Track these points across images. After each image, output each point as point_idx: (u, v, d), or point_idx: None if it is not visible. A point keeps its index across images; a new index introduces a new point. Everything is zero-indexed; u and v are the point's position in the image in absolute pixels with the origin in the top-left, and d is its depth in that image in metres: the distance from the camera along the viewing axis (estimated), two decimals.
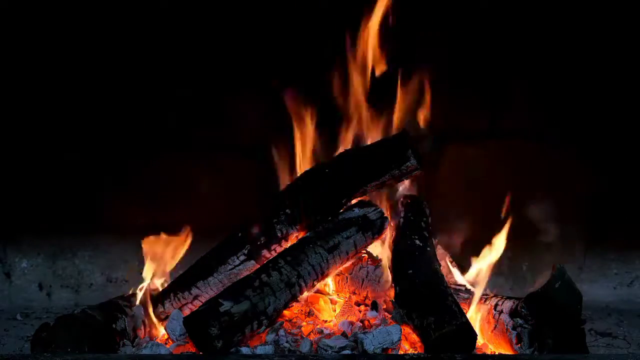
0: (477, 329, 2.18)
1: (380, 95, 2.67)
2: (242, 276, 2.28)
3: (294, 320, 2.29)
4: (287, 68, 3.01)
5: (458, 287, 2.42)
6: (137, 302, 2.34)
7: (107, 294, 2.51)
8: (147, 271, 2.46)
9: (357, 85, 2.66)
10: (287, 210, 2.41)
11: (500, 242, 2.49)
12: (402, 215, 2.54)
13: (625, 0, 3.04)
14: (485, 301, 2.30)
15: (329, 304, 2.41)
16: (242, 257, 2.39)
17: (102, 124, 3.15)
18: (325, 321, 2.34)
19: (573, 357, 2.03)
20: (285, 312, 2.27)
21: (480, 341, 2.22)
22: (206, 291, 2.36)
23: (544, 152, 3.20)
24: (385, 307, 2.35)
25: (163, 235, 2.52)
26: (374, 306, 2.36)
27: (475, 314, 2.28)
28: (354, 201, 2.46)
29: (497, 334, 2.19)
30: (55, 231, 3.21)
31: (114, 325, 2.20)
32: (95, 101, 3.13)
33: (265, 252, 2.39)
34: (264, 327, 2.14)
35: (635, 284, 3.25)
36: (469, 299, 2.34)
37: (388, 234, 2.49)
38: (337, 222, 2.37)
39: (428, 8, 3.04)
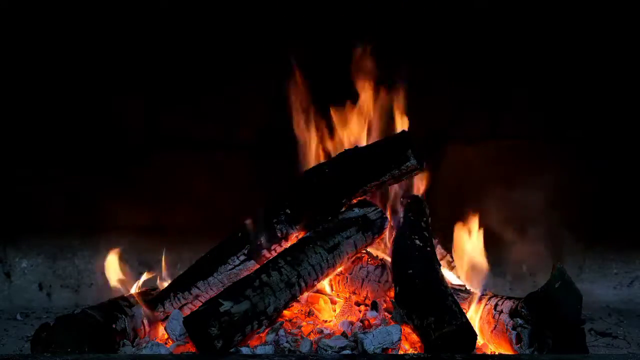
0: (477, 329, 2.18)
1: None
2: (242, 276, 2.28)
3: (294, 320, 2.30)
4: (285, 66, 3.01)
5: (458, 287, 2.42)
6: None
7: (107, 294, 2.51)
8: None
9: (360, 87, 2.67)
10: (287, 210, 2.41)
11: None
12: (402, 215, 2.54)
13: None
14: (485, 301, 2.30)
15: (329, 304, 2.41)
16: (242, 257, 2.39)
17: (101, 124, 3.15)
18: (325, 321, 2.34)
19: (573, 357, 2.03)
20: (285, 312, 2.27)
21: (480, 341, 2.22)
22: (206, 291, 2.36)
23: (544, 152, 3.21)
24: (385, 307, 2.35)
25: None
26: (374, 306, 2.36)
27: (475, 314, 2.28)
28: (354, 201, 2.46)
29: (497, 334, 2.19)
30: (55, 231, 3.21)
31: (114, 325, 2.20)
32: (95, 101, 3.14)
33: (265, 252, 2.39)
34: (264, 327, 2.14)
35: (635, 284, 3.25)
36: (469, 299, 2.34)
37: (388, 234, 2.50)
38: (337, 222, 2.37)
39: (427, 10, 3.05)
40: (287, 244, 2.39)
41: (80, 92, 3.13)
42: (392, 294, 2.30)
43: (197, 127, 3.18)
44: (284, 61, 2.75)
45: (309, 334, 2.22)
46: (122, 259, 2.53)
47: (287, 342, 2.14)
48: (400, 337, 2.10)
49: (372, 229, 2.39)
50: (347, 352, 2.07)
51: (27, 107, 3.14)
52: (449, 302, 2.09)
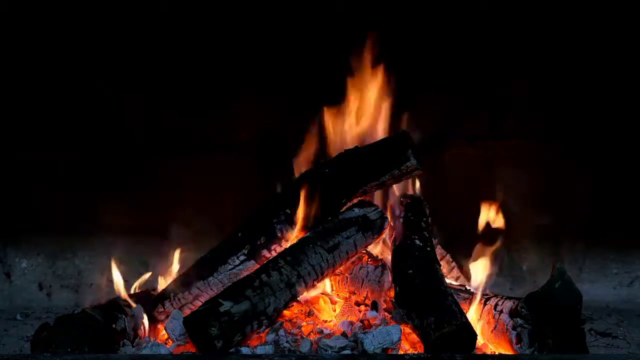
0: (477, 329, 2.18)
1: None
2: (242, 276, 2.28)
3: (294, 320, 2.29)
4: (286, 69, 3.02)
5: (458, 287, 2.42)
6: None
7: (107, 294, 2.51)
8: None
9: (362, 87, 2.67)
10: (287, 210, 2.41)
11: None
12: (402, 215, 2.54)
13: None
14: (485, 301, 2.30)
15: (329, 304, 2.41)
16: (242, 257, 2.39)
17: (101, 125, 3.16)
18: (325, 321, 2.34)
19: (573, 357, 2.03)
20: (285, 312, 2.27)
21: (480, 341, 2.22)
22: (206, 291, 2.36)
23: (544, 152, 3.21)
24: (385, 307, 2.35)
25: None
26: (374, 306, 2.36)
27: (475, 314, 2.28)
28: (354, 201, 2.46)
29: (497, 334, 2.19)
30: (55, 231, 3.21)
31: (114, 325, 2.20)
32: (95, 102, 3.14)
33: (265, 252, 2.39)
34: (264, 327, 2.14)
35: (635, 284, 3.25)
36: (469, 299, 2.34)
37: (388, 234, 2.49)
38: (337, 222, 2.37)
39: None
40: (287, 244, 2.40)
41: (80, 94, 3.13)
42: (392, 294, 2.30)
43: (198, 128, 3.18)
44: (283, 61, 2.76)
45: (309, 334, 2.22)
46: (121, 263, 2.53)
47: (287, 342, 2.14)
48: (400, 337, 2.10)
49: (372, 229, 2.39)
50: (347, 352, 2.07)
51: (27, 107, 3.14)
52: (449, 302, 2.09)
